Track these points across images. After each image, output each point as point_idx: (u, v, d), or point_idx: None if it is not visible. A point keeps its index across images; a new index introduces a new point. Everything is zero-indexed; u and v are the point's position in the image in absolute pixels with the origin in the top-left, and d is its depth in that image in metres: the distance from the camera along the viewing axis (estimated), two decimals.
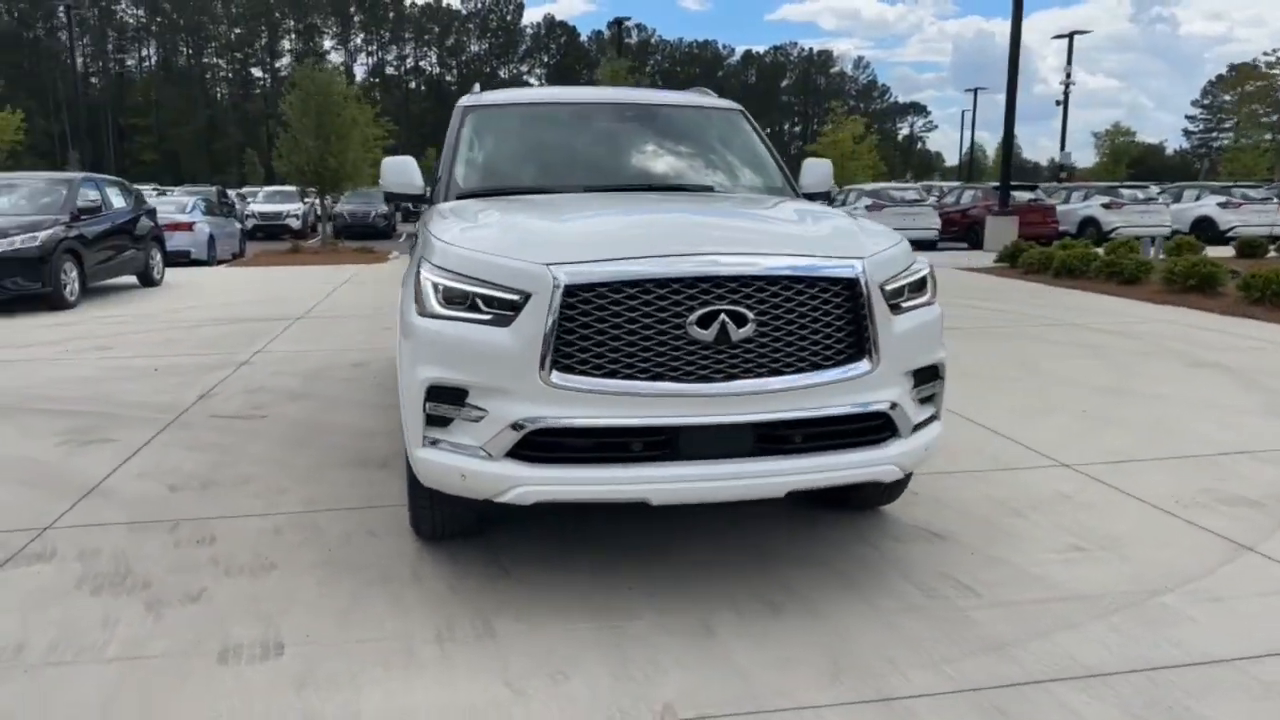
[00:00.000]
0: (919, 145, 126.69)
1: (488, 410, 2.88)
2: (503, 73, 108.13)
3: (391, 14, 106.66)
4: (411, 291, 3.13)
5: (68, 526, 3.74)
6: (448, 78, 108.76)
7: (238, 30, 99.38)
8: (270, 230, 27.35)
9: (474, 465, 2.91)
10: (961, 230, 20.77)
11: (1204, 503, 3.99)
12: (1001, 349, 7.64)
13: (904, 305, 3.18)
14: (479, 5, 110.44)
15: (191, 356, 7.43)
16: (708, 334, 2.82)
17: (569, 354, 2.84)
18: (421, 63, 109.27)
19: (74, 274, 10.59)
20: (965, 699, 2.49)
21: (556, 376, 2.82)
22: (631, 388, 2.83)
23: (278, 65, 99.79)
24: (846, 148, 37.03)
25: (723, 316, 2.82)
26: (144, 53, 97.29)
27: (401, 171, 4.26)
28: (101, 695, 2.50)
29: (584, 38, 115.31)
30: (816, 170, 4.58)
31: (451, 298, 2.98)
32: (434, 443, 2.99)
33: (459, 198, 4.07)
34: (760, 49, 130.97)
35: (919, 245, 19.74)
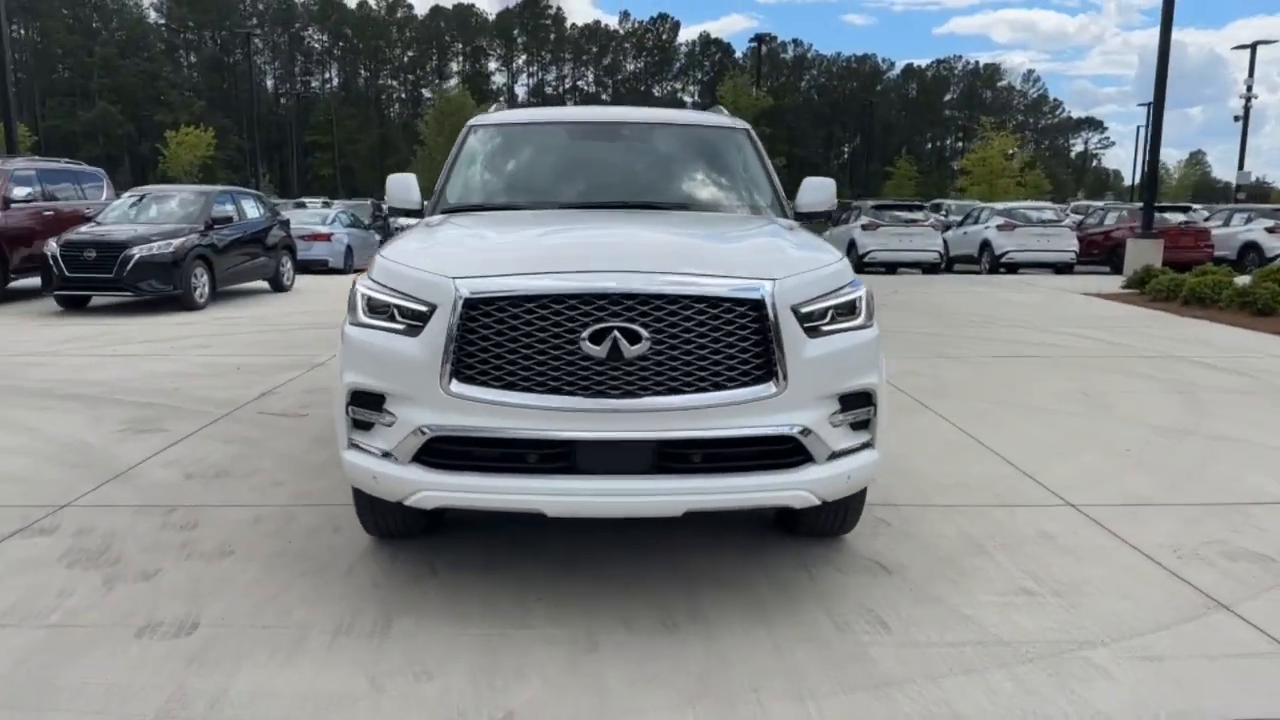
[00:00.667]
0: (1094, 163, 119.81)
1: (397, 416, 3.02)
2: (656, 90, 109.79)
3: (553, 35, 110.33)
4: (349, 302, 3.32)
5: (83, 505, 4.13)
6: (604, 96, 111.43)
7: (410, 53, 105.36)
8: None
9: (384, 468, 3.05)
10: (1103, 253, 19.55)
11: (1205, 555, 3.67)
12: (1072, 380, 7.19)
13: (825, 328, 3.11)
14: (635, 25, 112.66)
15: (275, 357, 7.98)
16: (600, 350, 2.86)
17: (469, 365, 2.94)
18: (579, 82, 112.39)
19: (204, 278, 11.56)
20: None
21: (457, 386, 2.93)
22: (528, 400, 2.90)
23: (445, 86, 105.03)
24: (996, 164, 35.55)
25: (614, 334, 2.85)
26: (326, 75, 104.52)
27: (403, 188, 4.49)
28: (17, 657, 2.78)
29: (739, 54, 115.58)
30: (815, 190, 4.51)
31: (374, 308, 3.14)
32: (355, 445, 3.15)
33: (445, 212, 4.26)
34: (923, 62, 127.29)
35: (1056, 269, 19.03)
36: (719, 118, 4.91)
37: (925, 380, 7.14)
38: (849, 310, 3.21)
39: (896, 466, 4.83)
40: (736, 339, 2.95)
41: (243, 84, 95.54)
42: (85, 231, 11.29)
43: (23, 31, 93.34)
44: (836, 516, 3.62)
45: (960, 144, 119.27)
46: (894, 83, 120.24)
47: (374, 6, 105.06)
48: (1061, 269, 19.02)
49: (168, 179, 48.71)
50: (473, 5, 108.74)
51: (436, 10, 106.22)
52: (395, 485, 3.03)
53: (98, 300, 11.63)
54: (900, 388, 6.80)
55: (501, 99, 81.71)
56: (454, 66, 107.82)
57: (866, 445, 3.25)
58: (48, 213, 12.55)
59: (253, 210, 13.29)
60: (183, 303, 11.19)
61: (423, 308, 2.99)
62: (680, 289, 2.92)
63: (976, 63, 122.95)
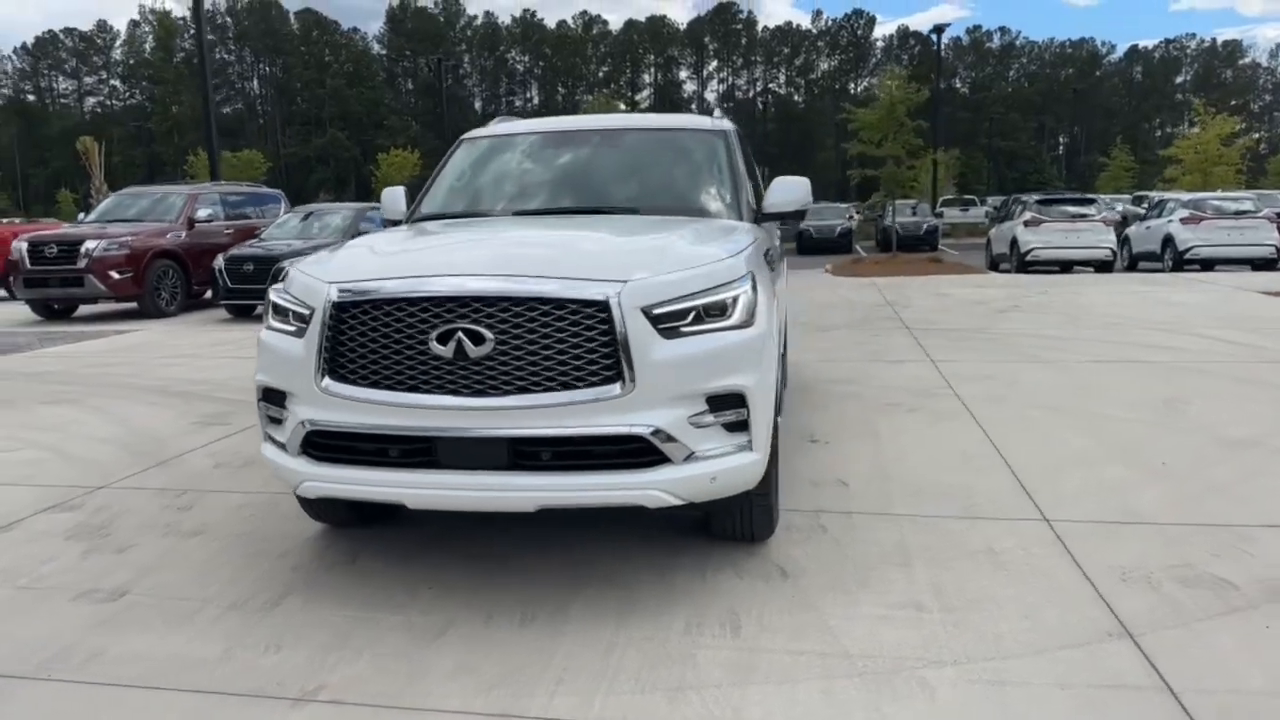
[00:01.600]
0: None
1: (290, 412, 3.30)
2: (852, 88, 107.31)
3: (743, 39, 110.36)
4: None
5: (117, 487, 4.72)
6: (795, 97, 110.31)
7: (604, 68, 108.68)
8: None
9: (282, 460, 3.34)
10: None
11: (1157, 579, 3.32)
12: (1168, 387, 6.52)
13: (685, 329, 3.10)
14: (829, 24, 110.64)
15: None
16: (446, 351, 3.01)
17: (339, 364, 3.17)
18: (771, 84, 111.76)
19: None
20: None
21: (329, 383, 3.17)
22: (390, 398, 3.10)
23: (637, 98, 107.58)
24: (1212, 150, 32.12)
25: (459, 335, 2.99)
26: (528, 94, 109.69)
27: (393, 200, 4.82)
28: None
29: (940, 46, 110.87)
30: (783, 189, 4.44)
31: (278, 311, 3.44)
32: (269, 438, 3.47)
33: (415, 221, 4.54)
34: (1150, 43, 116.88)
35: (1254, 265, 17.00)
36: (699, 120, 4.92)
37: (993, 385, 6.72)
38: (719, 311, 3.18)
39: (888, 472, 4.66)
40: (582, 340, 3.01)
41: (453, 107, 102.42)
42: (248, 247, 12.62)
43: (268, 69, 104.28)
44: (737, 521, 3.57)
45: (1195, 128, 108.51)
46: (1116, 66, 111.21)
47: (572, 25, 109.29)
48: (1261, 265, 17.01)
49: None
50: (664, 16, 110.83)
51: (630, 24, 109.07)
52: (289, 475, 3.31)
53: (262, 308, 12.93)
54: (958, 392, 6.46)
55: (592, 98, 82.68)
56: (646, 78, 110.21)
57: (743, 448, 3.20)
58: (228, 231, 14.09)
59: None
60: None
61: (305, 311, 3.25)
62: (522, 292, 3.01)
63: (1213, 40, 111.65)
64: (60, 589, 3.45)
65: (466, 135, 5.10)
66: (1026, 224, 17.70)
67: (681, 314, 3.10)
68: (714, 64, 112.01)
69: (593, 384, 3.01)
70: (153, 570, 3.62)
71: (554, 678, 2.73)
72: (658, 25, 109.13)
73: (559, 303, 3.01)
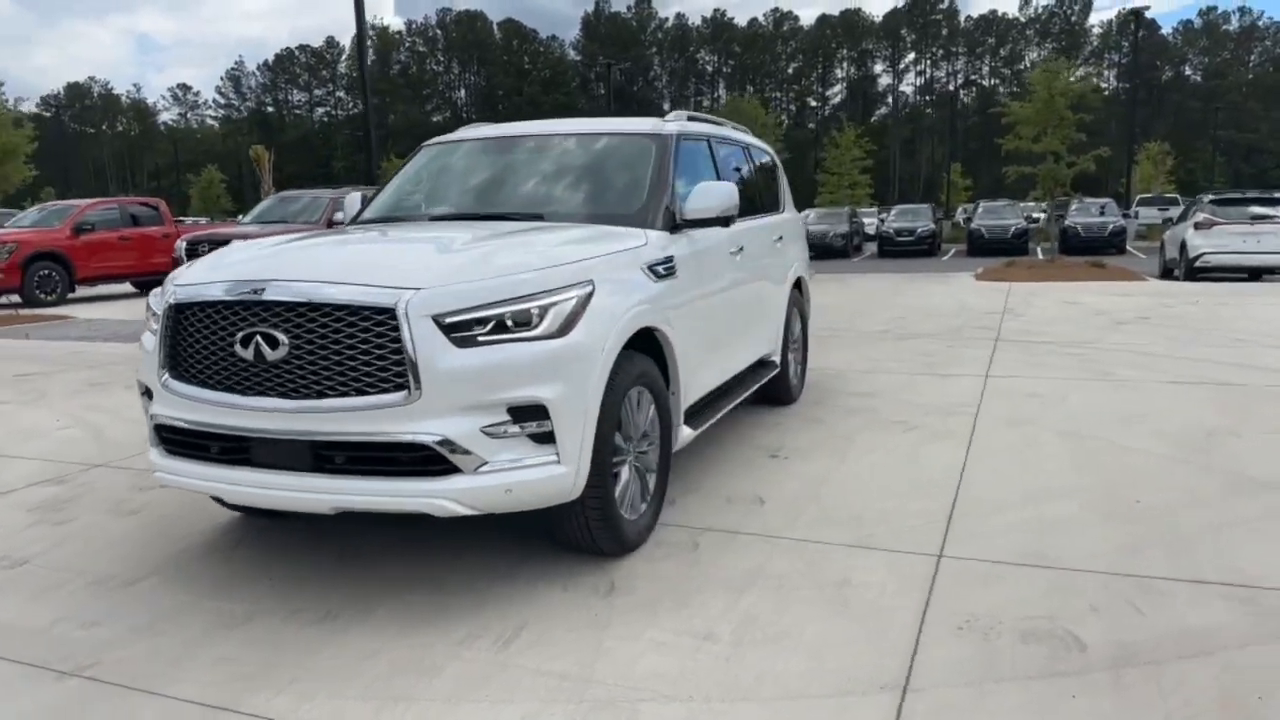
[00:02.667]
0: None
1: (150, 406, 3.55)
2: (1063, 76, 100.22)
3: (944, 30, 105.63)
4: None
5: (113, 466, 5.22)
6: (1001, 89, 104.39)
7: (795, 64, 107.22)
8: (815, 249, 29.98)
9: (150, 451, 3.60)
10: None
11: (996, 632, 2.98)
12: (1230, 416, 5.74)
13: (482, 338, 3.09)
14: (1039, 10, 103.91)
15: None
16: (247, 353, 3.15)
17: (177, 363, 3.39)
18: (973, 75, 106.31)
19: None
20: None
21: (168, 380, 3.39)
22: (211, 397, 3.28)
23: (827, 94, 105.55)
24: None
25: (256, 338, 3.12)
26: (716, 94, 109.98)
27: (350, 204, 5.07)
28: None
29: (1165, 30, 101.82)
30: (702, 195, 4.31)
31: (149, 310, 3.70)
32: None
33: (352, 224, 4.74)
34: None
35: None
36: (638, 125, 4.82)
37: (1028, 406, 6.17)
38: (524, 320, 3.14)
39: (819, 494, 4.42)
40: (372, 346, 3.06)
41: (644, 109, 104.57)
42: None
43: (472, 78, 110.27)
44: (576, 533, 3.50)
45: None
46: None
47: (762, 22, 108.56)
48: None
49: None
50: (859, 9, 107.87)
51: (823, 19, 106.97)
52: (152, 465, 3.57)
53: None
54: (981, 411, 5.98)
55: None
56: (838, 73, 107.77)
57: (550, 461, 3.15)
58: None
59: None
60: None
61: (158, 310, 3.49)
62: (314, 297, 3.10)
63: None
64: None
65: (426, 142, 5.25)
66: (1197, 226, 15.93)
67: (478, 322, 3.09)
68: (910, 56, 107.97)
69: (383, 390, 3.06)
70: (66, 543, 3.99)
71: (292, 676, 2.80)
72: (852, 19, 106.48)
73: (349, 308, 3.08)
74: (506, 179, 4.75)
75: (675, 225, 4.29)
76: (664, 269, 4.00)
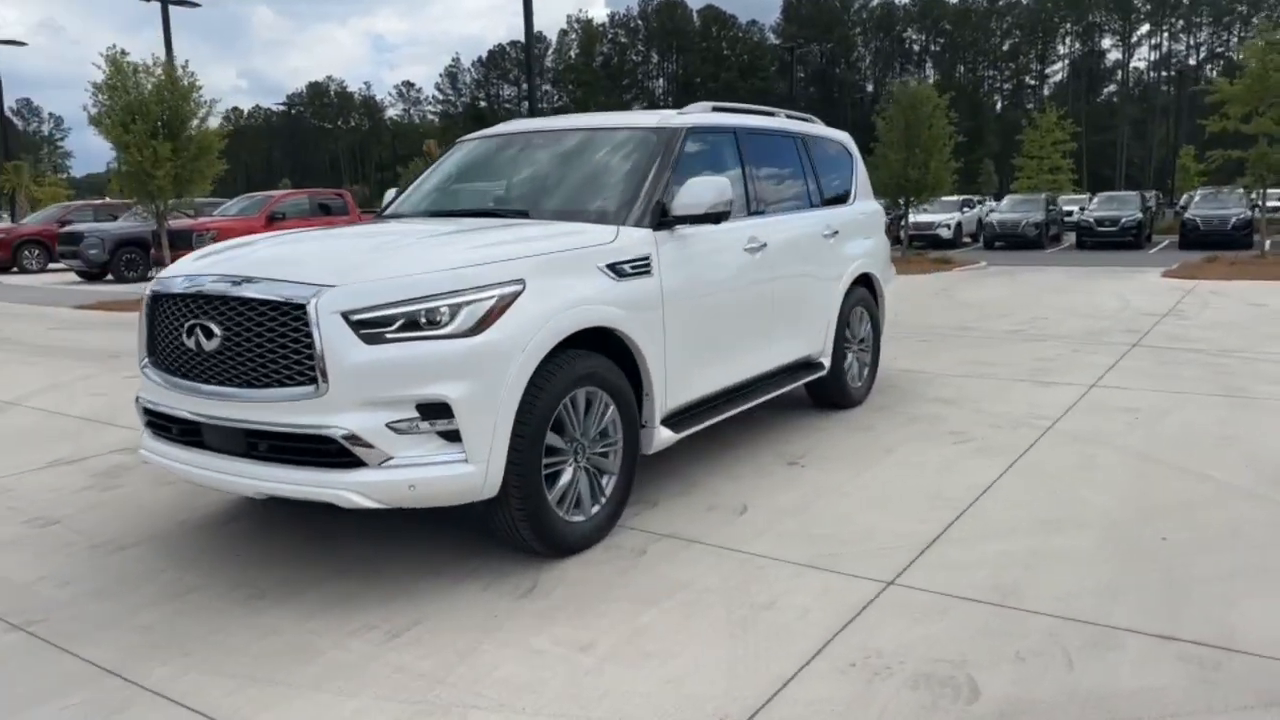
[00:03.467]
0: None
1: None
2: None
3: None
4: None
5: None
6: (1253, 63, 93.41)
7: (1011, 41, 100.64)
8: (923, 239, 28.58)
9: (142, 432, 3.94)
10: None
11: (889, 673, 2.72)
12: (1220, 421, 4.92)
13: (390, 335, 3.14)
14: None
15: None
16: (191, 343, 3.37)
17: (153, 349, 3.67)
18: (1218, 49, 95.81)
19: None
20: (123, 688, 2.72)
21: (147, 365, 3.68)
22: (170, 381, 3.53)
23: (1047, 71, 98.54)
24: None
25: (197, 329, 3.34)
26: (924, 74, 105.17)
27: (386, 198, 5.27)
28: None
29: None
30: (692, 190, 4.16)
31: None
32: None
33: (380, 217, 4.95)
34: None
35: None
36: (643, 119, 4.69)
37: (1115, 422, 5.56)
38: (433, 319, 3.17)
39: (812, 506, 4.20)
40: (289, 340, 3.19)
41: (846, 92, 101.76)
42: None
43: (670, 67, 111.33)
44: (508, 531, 3.50)
45: None
46: None
47: None
48: None
49: None
50: None
51: None
52: (140, 444, 3.89)
53: None
54: (1057, 426, 5.46)
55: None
56: (1060, 49, 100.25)
57: (458, 459, 3.18)
58: None
59: None
60: None
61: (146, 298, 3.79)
62: (238, 293, 3.27)
63: None
64: None
65: (461, 140, 5.37)
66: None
67: (388, 320, 3.15)
68: (1144, 28, 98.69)
69: (298, 383, 3.19)
70: (99, 508, 4.41)
71: (189, 650, 2.98)
72: None
73: (269, 304, 3.22)
74: (506, 175, 4.79)
75: (665, 222, 4.17)
76: (632, 268, 3.90)
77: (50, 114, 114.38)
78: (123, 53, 13.97)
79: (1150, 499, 4.17)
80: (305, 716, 2.57)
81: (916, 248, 27.02)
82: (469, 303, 3.22)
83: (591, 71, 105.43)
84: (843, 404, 5.97)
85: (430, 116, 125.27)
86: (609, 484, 3.84)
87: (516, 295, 3.34)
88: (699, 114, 4.77)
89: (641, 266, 3.96)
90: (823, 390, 5.90)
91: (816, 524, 3.96)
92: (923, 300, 12.57)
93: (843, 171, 6.20)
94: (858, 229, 6.09)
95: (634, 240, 3.99)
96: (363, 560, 3.67)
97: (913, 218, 29.48)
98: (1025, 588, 3.26)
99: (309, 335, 3.14)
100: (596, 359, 3.68)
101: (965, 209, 30.97)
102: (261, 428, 3.25)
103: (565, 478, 3.61)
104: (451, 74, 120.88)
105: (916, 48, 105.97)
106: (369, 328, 3.14)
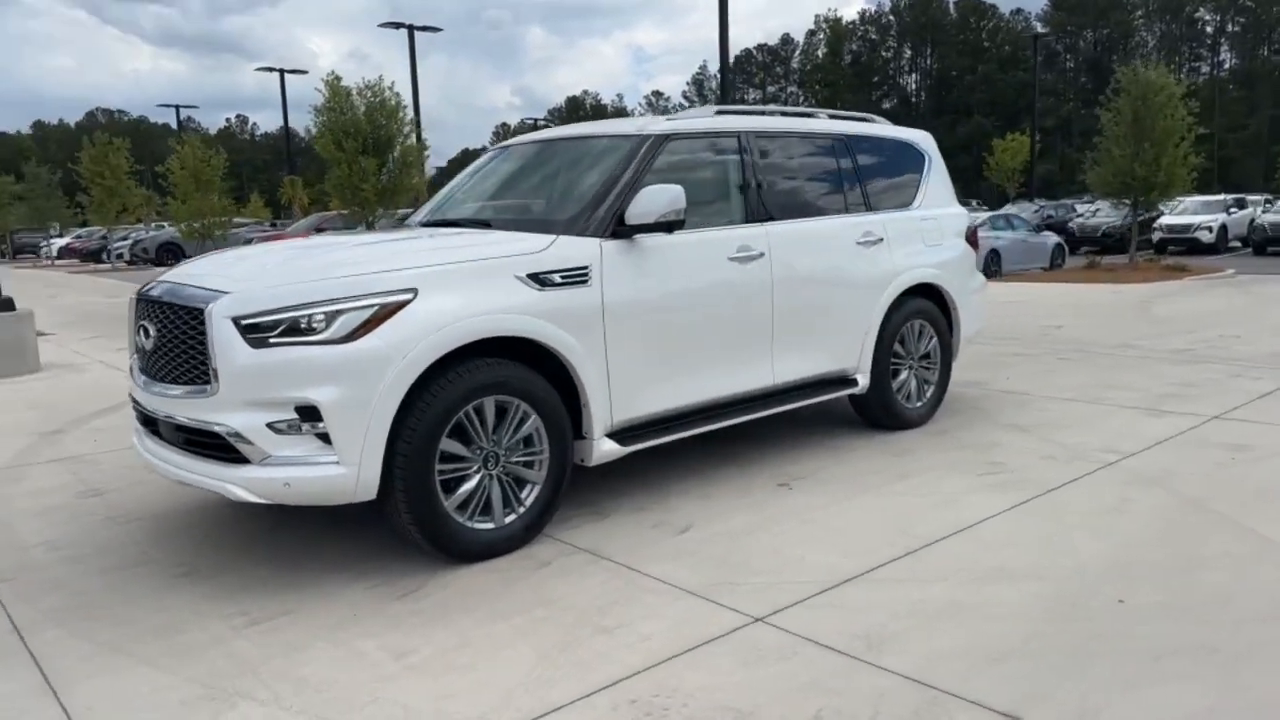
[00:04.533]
0: None
1: None
2: None
3: None
4: None
5: None
6: None
7: None
8: (1179, 243, 25.68)
9: None
10: None
11: (682, 712, 2.53)
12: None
13: (273, 340, 3.34)
14: None
15: None
16: (141, 341, 3.76)
17: (131, 346, 4.11)
18: None
19: None
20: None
21: (132, 362, 4.14)
22: (136, 376, 3.96)
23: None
24: None
25: (141, 330, 3.72)
26: (1218, 58, 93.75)
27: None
28: None
29: None
30: (645, 199, 4.06)
31: None
32: None
33: (402, 224, 5.23)
34: None
35: None
36: (621, 126, 4.60)
37: (1205, 460, 4.79)
38: (311, 325, 3.34)
39: (761, 531, 3.96)
40: (194, 342, 3.48)
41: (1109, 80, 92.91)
42: None
43: (925, 61, 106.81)
44: (401, 531, 3.61)
45: None
46: None
47: None
48: None
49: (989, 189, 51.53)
50: None
51: None
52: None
53: None
54: (1125, 463, 4.79)
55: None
56: None
57: (331, 461, 3.33)
58: None
59: None
60: None
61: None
62: (162, 298, 3.60)
63: None
64: None
65: (490, 146, 5.53)
66: None
67: (271, 325, 3.35)
68: None
69: (201, 382, 3.47)
70: (143, 483, 4.99)
71: (94, 616, 3.33)
72: None
73: (179, 309, 3.53)
74: (488, 187, 4.89)
75: (622, 232, 4.09)
76: (562, 277, 3.87)
77: None
78: (338, 78, 15.52)
79: (1154, 554, 3.56)
80: (117, 686, 2.81)
81: (1173, 252, 24.23)
82: (346, 310, 3.35)
83: (839, 70, 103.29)
84: (893, 425, 5.54)
85: None
86: (530, 493, 3.84)
87: (403, 304, 3.43)
88: (685, 120, 4.62)
89: (575, 276, 3.91)
90: (866, 409, 5.51)
91: (744, 551, 3.73)
92: (1105, 314, 11.28)
93: (905, 174, 5.75)
94: (917, 235, 5.62)
95: (571, 250, 3.96)
96: (300, 552, 3.90)
97: (1166, 219, 26.55)
98: (898, 641, 2.91)
99: (203, 337, 3.41)
100: (510, 367, 3.69)
101: (1233, 209, 27.35)
102: (177, 421, 3.57)
103: (470, 484, 3.65)
104: (698, 81, 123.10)
105: (1210, 29, 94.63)
106: (254, 332, 3.35)
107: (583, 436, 4.02)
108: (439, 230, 4.36)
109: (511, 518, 3.78)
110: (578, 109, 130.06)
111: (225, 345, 3.36)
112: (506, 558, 3.73)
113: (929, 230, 5.73)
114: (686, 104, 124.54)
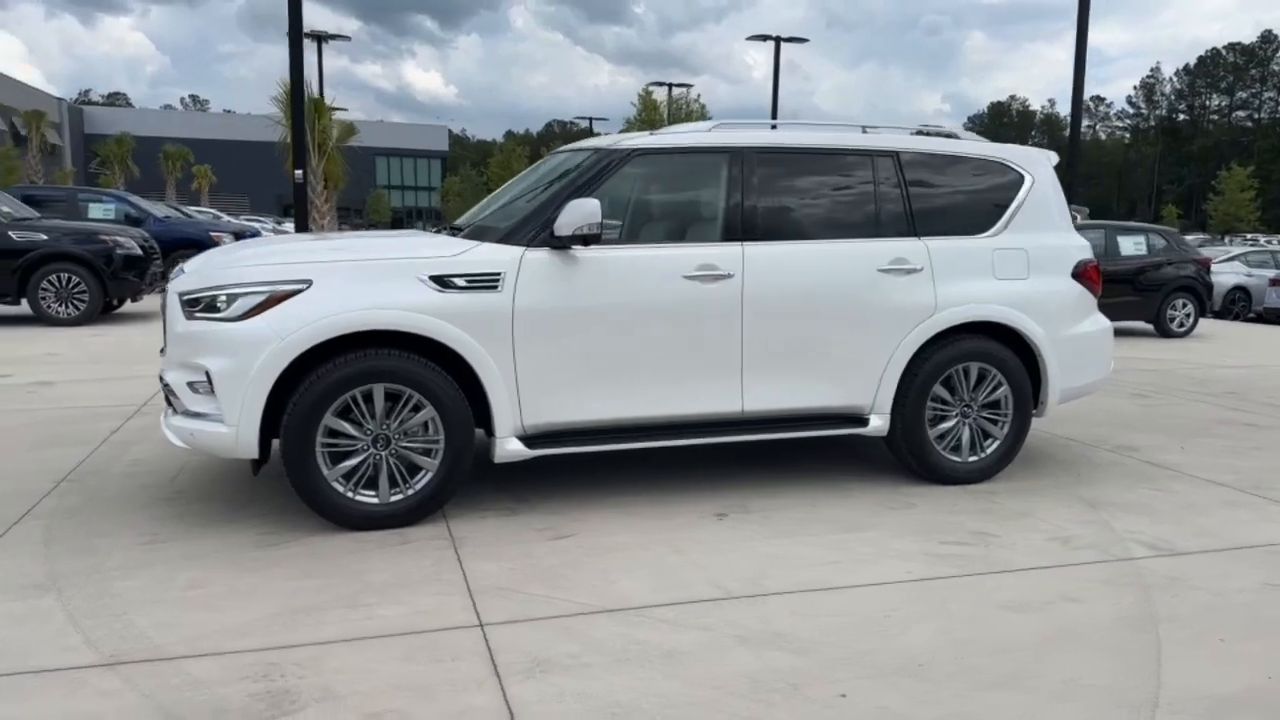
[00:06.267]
0: None
1: None
2: None
3: None
4: None
5: None
6: None
7: None
8: None
9: None
10: None
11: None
12: None
13: (196, 315, 4.03)
14: None
15: None
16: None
17: None
18: None
19: None
20: None
21: None
22: None
23: None
24: None
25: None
26: None
27: None
28: None
29: None
30: (568, 212, 4.17)
31: None
32: None
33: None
34: None
35: None
36: (598, 141, 4.61)
37: (1251, 578, 3.73)
38: (217, 304, 3.98)
39: (611, 556, 3.94)
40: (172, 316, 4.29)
41: None
42: None
43: None
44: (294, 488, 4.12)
45: None
46: None
47: None
48: None
49: None
50: None
51: None
52: None
53: None
54: (1165, 564, 3.92)
55: None
56: None
57: (219, 420, 3.97)
58: None
59: (1137, 244, 12.42)
60: None
61: None
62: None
63: None
64: None
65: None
66: None
67: (195, 302, 4.05)
68: None
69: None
70: None
71: (47, 565, 4.29)
72: None
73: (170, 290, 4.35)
74: (504, 195, 5.18)
75: (552, 242, 4.24)
76: (468, 281, 4.12)
77: None
78: (649, 91, 16.60)
79: (981, 660, 2.95)
80: None
81: None
82: (243, 295, 3.94)
83: None
84: (931, 477, 4.94)
85: (1119, 132, 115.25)
86: (422, 478, 4.15)
87: (293, 293, 3.94)
88: (667, 135, 4.57)
89: (484, 281, 4.14)
90: (897, 454, 4.98)
91: (578, 565, 3.73)
92: None
93: (985, 197, 5.05)
94: (983, 266, 4.92)
95: (486, 256, 4.19)
96: (250, 504, 4.53)
97: None
98: (559, 669, 2.81)
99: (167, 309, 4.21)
100: (402, 359, 4.03)
101: None
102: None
103: (354, 460, 4.07)
104: (1148, 85, 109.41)
105: None
106: (188, 307, 4.06)
107: (490, 435, 4.24)
108: (403, 233, 4.82)
109: (398, 497, 4.13)
110: (1001, 115, 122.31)
111: (173, 316, 4.12)
112: (379, 532, 4.07)
113: (1007, 261, 4.98)
114: (1131, 110, 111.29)
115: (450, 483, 4.19)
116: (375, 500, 4.11)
